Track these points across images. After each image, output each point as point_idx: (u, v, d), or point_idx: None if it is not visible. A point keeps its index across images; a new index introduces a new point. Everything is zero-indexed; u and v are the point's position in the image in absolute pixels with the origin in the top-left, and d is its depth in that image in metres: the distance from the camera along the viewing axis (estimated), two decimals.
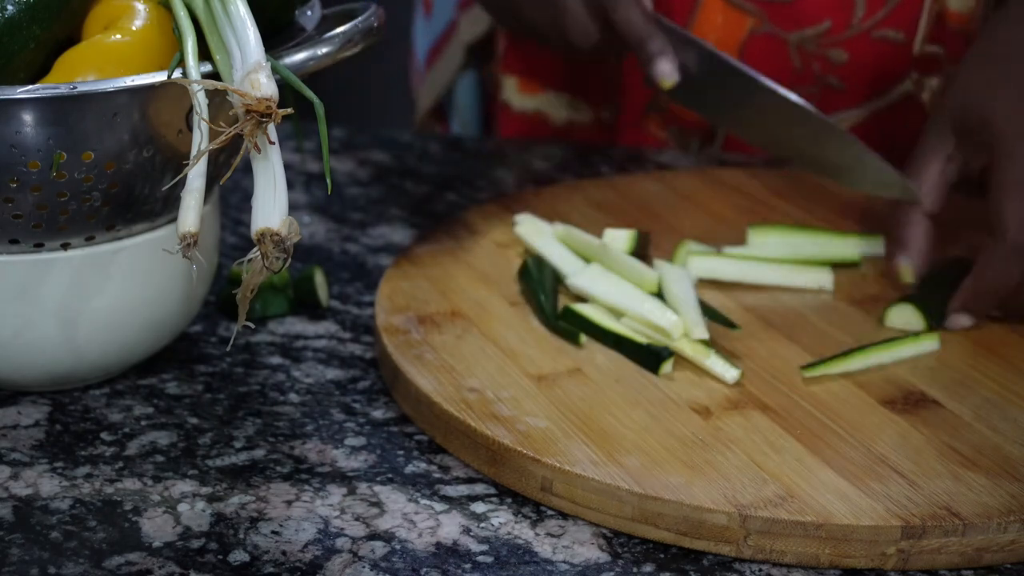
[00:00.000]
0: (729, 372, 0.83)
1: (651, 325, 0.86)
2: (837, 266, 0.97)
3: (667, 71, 0.98)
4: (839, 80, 1.12)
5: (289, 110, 0.70)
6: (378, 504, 0.76)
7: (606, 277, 0.90)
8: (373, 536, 0.74)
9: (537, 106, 1.22)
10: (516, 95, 1.22)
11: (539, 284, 0.90)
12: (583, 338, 0.87)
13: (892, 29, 1.10)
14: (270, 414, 0.84)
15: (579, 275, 0.91)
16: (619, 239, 0.94)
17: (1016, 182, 0.88)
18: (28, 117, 0.73)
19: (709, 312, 0.89)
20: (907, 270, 0.93)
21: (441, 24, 1.26)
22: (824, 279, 0.94)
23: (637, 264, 0.91)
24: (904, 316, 0.90)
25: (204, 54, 0.75)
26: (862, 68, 1.12)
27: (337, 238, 1.04)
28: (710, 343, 0.85)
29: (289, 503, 0.76)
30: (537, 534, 0.74)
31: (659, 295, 0.89)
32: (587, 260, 0.93)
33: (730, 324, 0.89)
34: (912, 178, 0.94)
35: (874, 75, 1.13)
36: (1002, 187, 0.88)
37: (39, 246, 0.79)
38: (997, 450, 0.78)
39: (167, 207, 0.81)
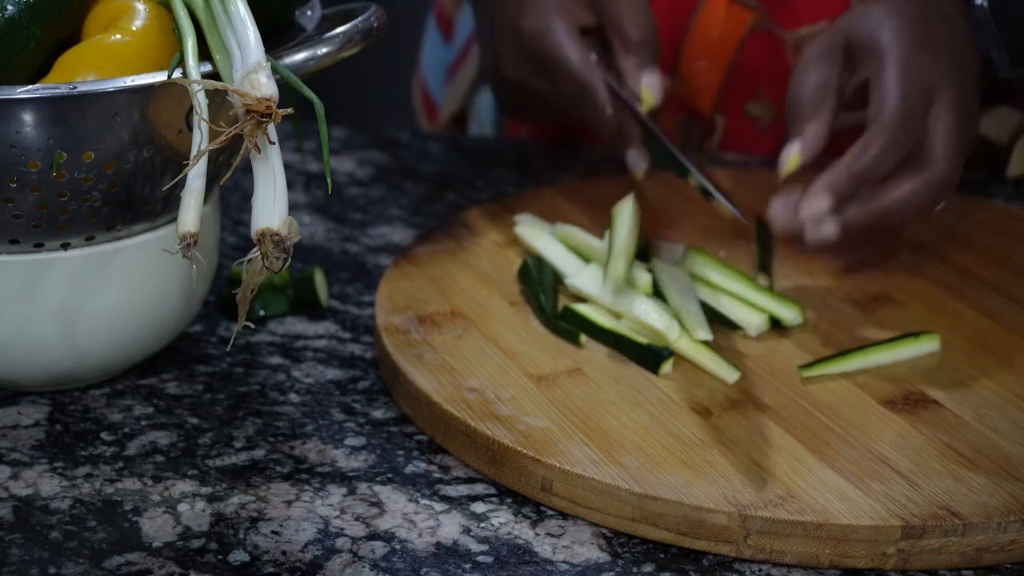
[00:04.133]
0: (729, 373, 0.83)
1: (648, 327, 0.86)
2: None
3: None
4: None
5: (289, 110, 0.70)
6: (378, 504, 0.76)
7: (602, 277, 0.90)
8: (373, 536, 0.74)
9: None
10: None
11: (539, 284, 0.90)
12: (583, 338, 0.87)
13: None
14: (270, 414, 0.84)
15: (579, 275, 0.91)
16: (627, 213, 0.93)
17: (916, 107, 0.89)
18: (28, 117, 0.73)
19: (711, 312, 0.89)
20: (796, 158, 0.92)
21: (460, 43, 1.27)
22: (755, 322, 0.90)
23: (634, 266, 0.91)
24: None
25: (204, 54, 0.75)
26: None
27: (337, 238, 1.04)
28: (711, 344, 0.86)
29: (289, 503, 0.76)
30: (537, 534, 0.74)
31: (659, 295, 0.89)
32: (587, 260, 0.93)
33: (731, 324, 0.89)
34: (803, 121, 0.92)
35: None
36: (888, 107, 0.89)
37: (39, 246, 0.79)
38: (997, 450, 0.78)
39: (167, 207, 0.81)
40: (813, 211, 0.88)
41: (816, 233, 0.88)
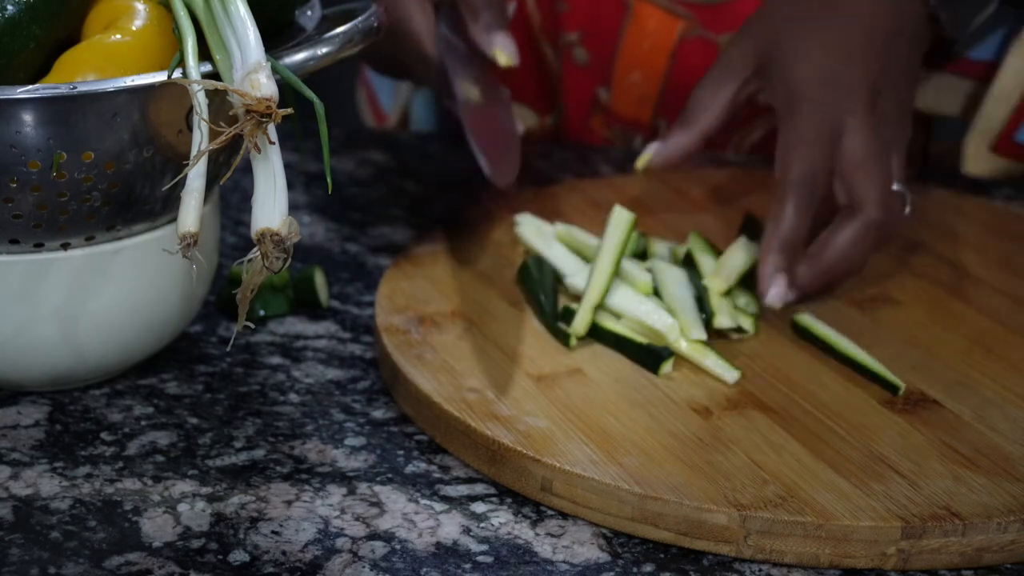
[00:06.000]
0: (729, 373, 0.83)
1: (647, 328, 0.86)
2: None
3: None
4: None
5: (289, 110, 0.70)
6: (378, 504, 0.76)
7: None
8: (373, 536, 0.74)
9: None
10: None
11: (539, 284, 0.90)
12: (573, 341, 0.86)
13: None
14: (270, 414, 0.84)
15: (578, 275, 0.91)
16: (623, 219, 0.93)
17: (804, 138, 0.88)
18: (28, 117, 0.73)
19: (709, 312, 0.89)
20: (646, 157, 0.94)
21: None
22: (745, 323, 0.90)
23: (632, 266, 0.90)
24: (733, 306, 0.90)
25: (204, 54, 0.75)
26: None
27: (337, 238, 1.04)
28: (710, 344, 0.86)
29: (289, 503, 0.76)
30: (537, 534, 0.74)
31: (656, 293, 0.89)
32: (587, 260, 0.93)
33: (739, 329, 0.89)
34: (700, 92, 0.93)
35: None
36: (789, 143, 0.88)
37: (39, 246, 0.79)
38: (997, 450, 0.78)
39: (167, 207, 0.81)
40: (777, 297, 0.87)
41: (781, 303, 0.88)
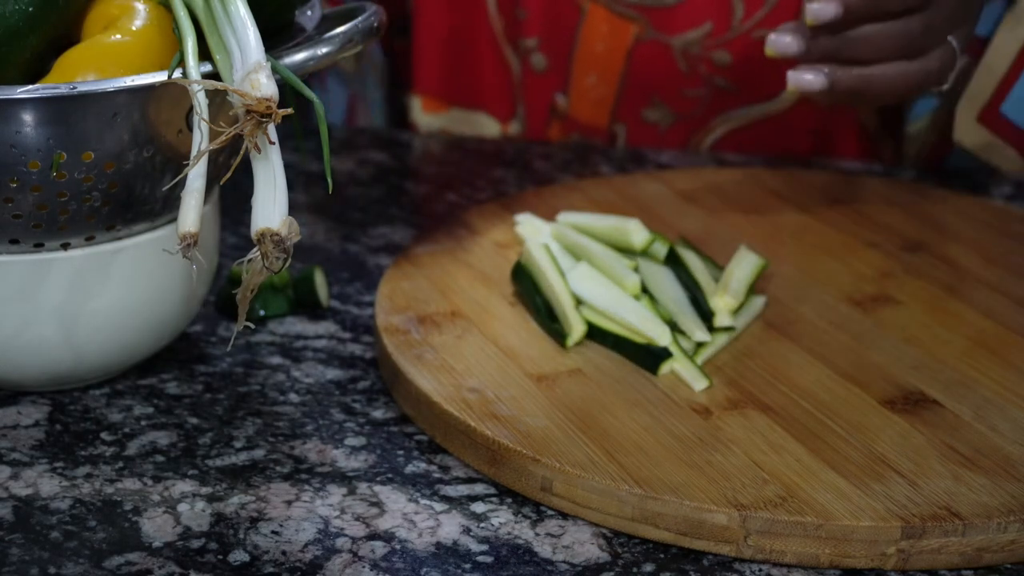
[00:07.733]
0: (698, 380, 0.83)
1: (639, 333, 0.86)
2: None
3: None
4: (727, 81, 1.14)
5: (289, 110, 0.70)
6: (378, 504, 0.76)
7: (593, 279, 0.89)
8: (373, 536, 0.74)
9: (442, 124, 1.24)
10: (421, 115, 1.24)
11: (533, 285, 0.90)
12: (569, 341, 0.86)
13: (772, 30, 1.08)
14: (270, 414, 0.84)
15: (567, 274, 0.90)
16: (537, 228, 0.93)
17: None
18: (28, 117, 0.73)
19: (702, 311, 0.89)
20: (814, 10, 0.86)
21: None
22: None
23: (620, 266, 0.90)
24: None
25: (204, 54, 0.75)
26: (749, 69, 1.14)
27: (337, 238, 1.04)
28: (701, 344, 0.86)
29: (289, 503, 0.76)
30: (537, 534, 0.74)
31: (647, 292, 0.89)
32: (577, 258, 0.92)
33: (728, 328, 0.88)
34: None
35: (763, 75, 1.14)
36: None
37: (39, 246, 0.79)
38: (997, 450, 0.78)
39: (167, 207, 0.81)
40: (817, 14, 0.82)
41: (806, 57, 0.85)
